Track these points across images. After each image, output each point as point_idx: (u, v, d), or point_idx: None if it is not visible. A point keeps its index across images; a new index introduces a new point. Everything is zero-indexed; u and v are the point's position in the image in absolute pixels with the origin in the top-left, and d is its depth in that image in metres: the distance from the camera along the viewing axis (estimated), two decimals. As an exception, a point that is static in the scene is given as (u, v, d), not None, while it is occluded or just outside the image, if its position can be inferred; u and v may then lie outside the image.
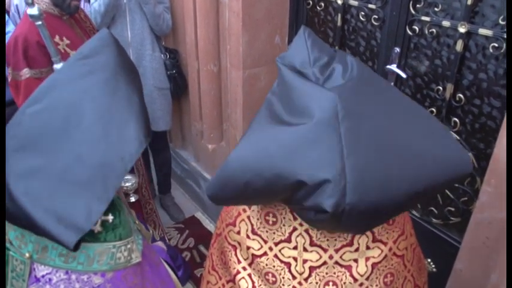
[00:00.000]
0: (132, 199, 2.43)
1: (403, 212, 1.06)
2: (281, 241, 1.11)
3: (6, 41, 2.31)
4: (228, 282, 1.24)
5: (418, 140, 0.96)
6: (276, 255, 1.12)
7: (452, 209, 2.00)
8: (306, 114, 0.91)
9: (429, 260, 2.12)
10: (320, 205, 0.87)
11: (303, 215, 0.99)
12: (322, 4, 2.40)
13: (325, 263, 1.09)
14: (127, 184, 1.99)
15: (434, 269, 2.12)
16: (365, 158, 0.87)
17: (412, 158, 0.92)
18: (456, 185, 1.95)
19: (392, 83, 2.08)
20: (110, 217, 1.19)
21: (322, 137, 0.87)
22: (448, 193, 1.99)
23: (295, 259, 1.10)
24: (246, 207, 1.17)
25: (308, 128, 0.89)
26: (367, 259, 1.10)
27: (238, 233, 1.17)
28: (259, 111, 1.06)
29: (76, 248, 1.07)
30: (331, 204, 0.85)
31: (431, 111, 1.97)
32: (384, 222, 1.05)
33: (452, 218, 2.01)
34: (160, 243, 1.89)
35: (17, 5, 3.36)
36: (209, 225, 3.38)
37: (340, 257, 1.09)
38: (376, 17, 2.09)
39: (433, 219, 2.09)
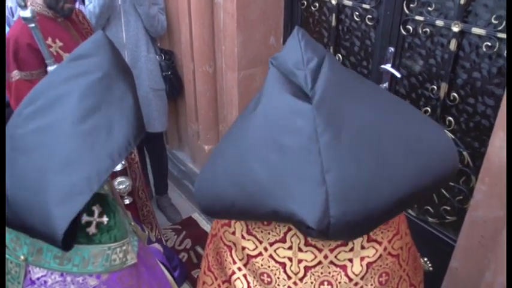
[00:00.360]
0: (127, 201, 2.44)
1: (393, 217, 1.06)
2: (276, 241, 1.11)
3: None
4: (223, 282, 1.24)
5: (401, 136, 0.96)
6: (271, 256, 1.12)
7: (448, 208, 2.01)
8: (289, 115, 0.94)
9: (425, 259, 2.13)
10: (305, 222, 0.89)
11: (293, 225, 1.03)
12: (317, 4, 2.40)
13: (320, 262, 1.09)
14: (121, 187, 2.00)
15: (430, 268, 2.13)
16: (345, 169, 0.88)
17: (396, 157, 0.93)
18: (452, 183, 1.96)
19: (387, 83, 2.09)
20: (105, 219, 1.19)
21: (302, 155, 0.90)
22: (444, 192, 2.00)
23: (290, 259, 1.10)
24: None
25: (287, 152, 0.91)
26: (362, 259, 1.10)
27: (234, 233, 1.17)
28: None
29: (68, 247, 1.06)
30: (314, 221, 0.87)
31: (426, 111, 1.97)
32: (374, 229, 1.06)
33: (448, 217, 2.02)
34: (156, 245, 1.89)
35: (11, 8, 3.35)
36: (206, 226, 3.38)
37: (335, 256, 1.09)
38: (370, 16, 2.09)
39: (429, 218, 2.10)
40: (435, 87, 1.91)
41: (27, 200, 1.03)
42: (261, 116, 0.98)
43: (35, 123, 1.09)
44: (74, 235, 1.11)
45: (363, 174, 0.89)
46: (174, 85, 3.24)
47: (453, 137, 1.90)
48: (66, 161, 1.04)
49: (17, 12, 2.88)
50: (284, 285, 1.12)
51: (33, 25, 1.92)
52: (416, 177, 0.94)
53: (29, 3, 2.11)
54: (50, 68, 2.01)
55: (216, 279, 1.27)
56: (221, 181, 1.03)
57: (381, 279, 1.12)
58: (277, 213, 0.94)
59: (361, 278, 1.10)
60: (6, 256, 1.19)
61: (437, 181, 1.00)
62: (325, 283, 1.10)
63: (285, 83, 0.99)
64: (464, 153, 1.87)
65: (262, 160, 0.94)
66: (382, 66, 2.07)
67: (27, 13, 1.88)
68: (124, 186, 2.14)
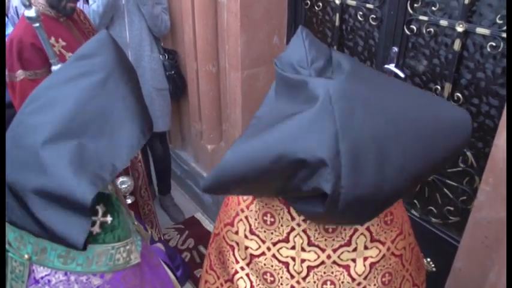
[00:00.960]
0: (129, 201, 2.44)
1: (404, 196, 1.04)
2: (279, 241, 1.11)
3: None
4: (226, 281, 1.24)
5: (414, 109, 0.95)
6: (274, 255, 1.12)
7: (452, 209, 2.00)
8: (302, 101, 0.92)
9: (429, 260, 2.13)
10: (319, 187, 0.86)
11: (301, 207, 0.99)
12: (320, 4, 2.40)
13: (323, 262, 1.09)
14: (123, 186, 2.00)
15: (434, 269, 2.13)
16: (360, 140, 0.86)
17: (409, 129, 0.92)
18: (455, 184, 1.96)
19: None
20: (109, 218, 1.19)
21: (318, 121, 0.87)
22: (447, 192, 2.00)
23: (293, 259, 1.10)
24: (244, 208, 1.17)
25: (304, 115, 0.89)
26: (365, 259, 1.10)
27: (237, 233, 1.18)
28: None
29: (84, 247, 1.08)
30: (329, 186, 0.84)
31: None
32: (384, 209, 1.02)
33: (451, 218, 2.02)
34: (159, 245, 1.90)
35: (16, 7, 3.36)
36: (209, 225, 3.38)
37: (338, 256, 1.09)
38: (374, 16, 2.09)
39: (432, 219, 2.09)
40: (439, 87, 1.91)
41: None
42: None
43: (37, 121, 1.09)
44: (89, 237, 1.12)
45: (377, 146, 0.88)
46: (177, 85, 3.25)
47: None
48: (72, 162, 1.05)
49: (21, 11, 2.90)
50: (287, 284, 1.12)
51: (37, 24, 1.93)
52: (427, 149, 0.93)
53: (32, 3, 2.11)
54: (54, 68, 2.02)
55: (219, 278, 1.28)
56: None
57: (384, 279, 1.12)
58: (301, 164, 0.89)
59: (364, 278, 1.10)
60: (11, 255, 1.19)
61: (450, 151, 0.98)
62: (328, 283, 1.10)
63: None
64: (468, 153, 1.87)
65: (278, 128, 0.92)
66: (386, 66, 2.07)
67: (31, 12, 1.89)
68: (126, 185, 2.14)
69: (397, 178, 0.90)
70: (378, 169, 0.87)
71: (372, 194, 0.88)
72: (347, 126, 0.86)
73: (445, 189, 2.00)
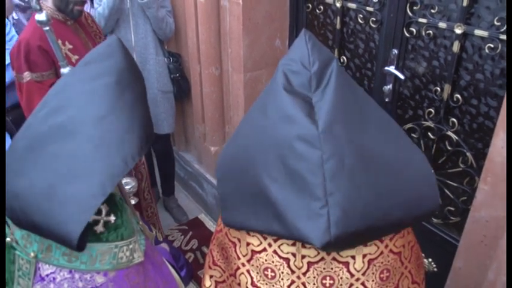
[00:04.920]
0: (132, 202, 2.46)
1: (388, 234, 1.14)
2: (280, 238, 1.13)
3: (12, 45, 2.36)
4: (230, 276, 1.27)
5: (393, 162, 1.07)
6: (275, 251, 1.14)
7: (452, 209, 2.02)
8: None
9: (430, 260, 2.14)
10: (308, 240, 0.98)
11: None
12: (321, 7, 2.42)
13: (322, 258, 1.11)
14: (127, 187, 2.02)
15: (435, 269, 2.14)
16: (346, 193, 0.98)
17: (390, 184, 1.04)
18: (455, 184, 1.97)
19: (391, 85, 2.11)
20: (112, 217, 1.21)
21: (306, 177, 0.98)
22: (448, 193, 2.01)
23: (293, 255, 1.13)
24: None
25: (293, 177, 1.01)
26: (364, 256, 1.12)
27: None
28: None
29: (81, 248, 1.10)
30: (317, 239, 0.97)
31: (430, 112, 1.99)
32: (371, 241, 1.13)
33: (452, 218, 2.03)
34: (163, 244, 1.91)
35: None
36: (212, 226, 3.40)
37: (338, 253, 1.11)
38: (374, 19, 2.11)
39: (433, 219, 2.11)
40: (438, 88, 1.93)
41: (41, 203, 1.07)
42: (269, 133, 1.07)
43: (50, 123, 1.12)
44: (86, 236, 1.13)
45: (361, 198, 0.99)
46: (181, 87, 3.28)
47: (457, 137, 1.91)
48: (79, 165, 1.07)
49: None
50: (288, 279, 1.14)
51: (47, 28, 1.96)
52: (405, 203, 1.06)
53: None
54: (63, 70, 2.05)
55: (224, 272, 1.31)
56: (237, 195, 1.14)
57: (382, 275, 1.14)
58: (277, 233, 1.07)
59: (363, 274, 1.12)
60: (18, 253, 1.21)
61: (422, 213, 1.12)
62: (328, 278, 1.12)
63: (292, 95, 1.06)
64: (468, 154, 1.88)
65: (273, 179, 1.03)
66: (386, 68, 2.09)
67: (42, 16, 1.92)
68: (129, 187, 2.16)
69: (381, 226, 1.04)
70: (363, 219, 0.99)
71: (358, 239, 1.04)
72: (335, 181, 0.98)
73: (446, 190, 2.02)
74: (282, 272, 1.14)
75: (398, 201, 1.04)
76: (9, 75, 2.68)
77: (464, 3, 1.70)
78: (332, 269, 1.12)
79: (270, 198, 1.03)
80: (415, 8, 1.92)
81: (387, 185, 1.03)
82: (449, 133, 1.93)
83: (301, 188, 0.99)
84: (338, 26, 2.33)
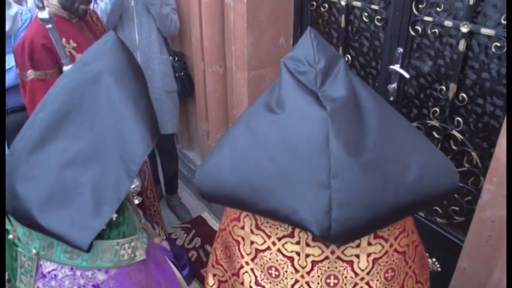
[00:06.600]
0: (136, 201, 2.46)
1: (393, 223, 1.11)
2: (284, 236, 1.13)
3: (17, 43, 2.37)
4: (232, 275, 1.26)
5: (405, 153, 1.02)
6: (279, 250, 1.14)
7: (457, 209, 2.00)
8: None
9: (434, 260, 2.13)
10: (304, 223, 0.96)
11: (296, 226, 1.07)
12: (326, 5, 2.41)
13: (327, 257, 1.11)
14: (131, 186, 2.02)
15: (439, 269, 2.13)
16: (351, 177, 0.94)
17: (399, 170, 0.99)
18: (460, 184, 1.96)
19: (396, 84, 2.10)
20: (114, 215, 1.22)
21: (312, 158, 0.95)
22: (452, 192, 2.00)
23: (298, 253, 1.12)
24: None
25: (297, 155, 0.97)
26: (368, 255, 1.11)
27: (243, 228, 1.20)
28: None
29: (89, 248, 1.10)
30: (315, 223, 0.94)
31: (435, 111, 1.97)
32: (372, 232, 1.10)
33: (456, 218, 2.02)
34: (164, 243, 1.91)
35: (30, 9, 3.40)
36: (215, 225, 3.40)
37: (342, 252, 1.11)
38: (379, 17, 2.10)
39: (438, 219, 2.10)
40: (444, 87, 1.91)
41: (58, 208, 1.08)
42: (275, 116, 1.03)
43: (51, 128, 1.13)
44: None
45: (367, 184, 0.95)
46: (185, 86, 3.27)
47: (462, 137, 1.90)
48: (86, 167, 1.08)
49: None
50: (292, 278, 1.14)
51: (50, 26, 1.96)
52: (416, 191, 1.01)
53: (46, 4, 2.15)
54: (65, 68, 2.05)
55: (226, 271, 1.30)
56: (226, 172, 1.06)
57: (386, 274, 1.13)
58: (277, 212, 0.99)
59: (367, 273, 1.11)
60: (20, 250, 1.22)
61: (436, 196, 1.06)
62: (332, 277, 1.12)
63: (299, 85, 1.04)
64: (473, 153, 1.87)
65: (272, 158, 0.99)
66: (391, 66, 2.08)
67: (44, 14, 1.92)
68: (134, 186, 2.16)
69: (386, 213, 0.99)
70: (368, 205, 0.96)
71: (361, 226, 0.98)
72: (340, 164, 0.95)
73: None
74: (286, 271, 1.14)
75: (409, 188, 1.00)
76: (11, 78, 2.70)
77: (471, 2, 1.69)
78: (336, 268, 1.11)
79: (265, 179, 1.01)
80: (420, 6, 1.91)
81: (395, 170, 0.99)
82: (454, 132, 1.91)
83: (303, 168, 0.96)
84: (343, 24, 2.32)
